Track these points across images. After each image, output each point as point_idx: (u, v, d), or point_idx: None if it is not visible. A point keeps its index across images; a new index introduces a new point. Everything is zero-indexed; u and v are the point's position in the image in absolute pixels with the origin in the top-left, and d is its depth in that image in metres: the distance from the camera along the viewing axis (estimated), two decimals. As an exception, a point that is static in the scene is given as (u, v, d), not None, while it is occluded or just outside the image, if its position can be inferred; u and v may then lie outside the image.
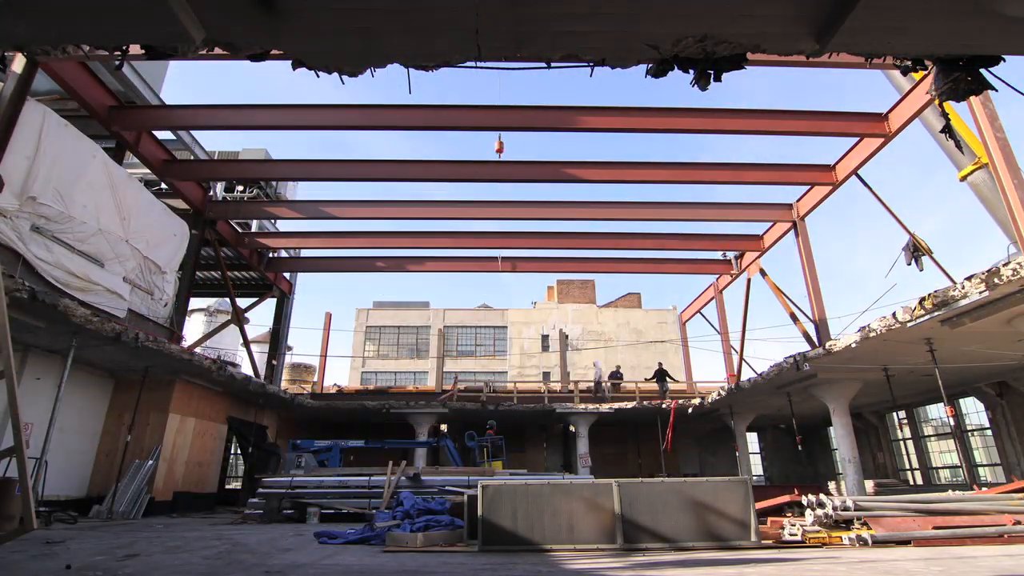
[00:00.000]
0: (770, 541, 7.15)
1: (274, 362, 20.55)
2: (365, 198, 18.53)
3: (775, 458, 25.91)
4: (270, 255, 19.73)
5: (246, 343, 18.77)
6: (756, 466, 25.83)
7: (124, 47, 3.67)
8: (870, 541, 6.78)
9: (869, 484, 13.08)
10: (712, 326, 22.41)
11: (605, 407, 20.48)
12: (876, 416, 20.85)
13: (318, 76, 3.98)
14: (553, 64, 3.93)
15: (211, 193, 16.24)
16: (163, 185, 14.81)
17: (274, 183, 20.38)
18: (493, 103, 11.86)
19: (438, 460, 24.21)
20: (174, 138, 14.77)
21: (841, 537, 7.09)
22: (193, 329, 35.36)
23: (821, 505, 7.63)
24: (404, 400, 21.31)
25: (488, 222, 16.90)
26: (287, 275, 21.34)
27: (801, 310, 16.22)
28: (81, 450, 12.60)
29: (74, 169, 10.69)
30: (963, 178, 11.06)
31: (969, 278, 8.53)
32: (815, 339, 14.98)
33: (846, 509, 7.45)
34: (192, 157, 15.26)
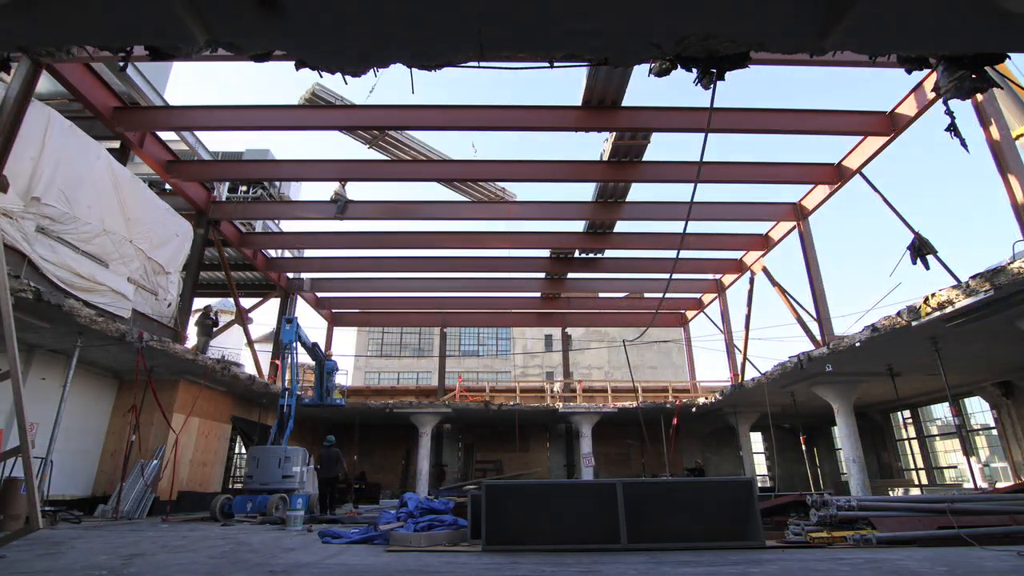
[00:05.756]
0: (774, 541, 7.13)
1: (277, 362, 20.57)
2: (367, 199, 18.60)
3: (779, 458, 25.80)
4: (272, 255, 19.75)
5: (250, 343, 18.83)
6: (760, 465, 25.75)
7: (128, 48, 3.67)
8: (874, 541, 6.76)
9: (873, 484, 13.07)
10: (715, 325, 22.37)
11: (608, 407, 20.43)
12: (881, 415, 20.77)
13: (320, 76, 4.00)
14: (555, 64, 3.92)
15: (215, 194, 16.28)
16: (167, 186, 14.86)
17: (277, 183, 20.42)
18: (494, 103, 11.86)
19: (441, 459, 24.25)
20: (177, 139, 14.82)
21: (845, 537, 7.07)
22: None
23: (825, 505, 7.60)
24: (407, 400, 21.38)
25: (487, 222, 16.90)
26: (294, 275, 21.35)
27: (805, 308, 16.17)
28: (86, 450, 12.66)
29: (78, 170, 10.73)
30: (1018, 137, 10.90)
31: (974, 277, 8.49)
32: (819, 338, 14.93)
33: (850, 509, 7.42)
34: (196, 158, 15.30)
